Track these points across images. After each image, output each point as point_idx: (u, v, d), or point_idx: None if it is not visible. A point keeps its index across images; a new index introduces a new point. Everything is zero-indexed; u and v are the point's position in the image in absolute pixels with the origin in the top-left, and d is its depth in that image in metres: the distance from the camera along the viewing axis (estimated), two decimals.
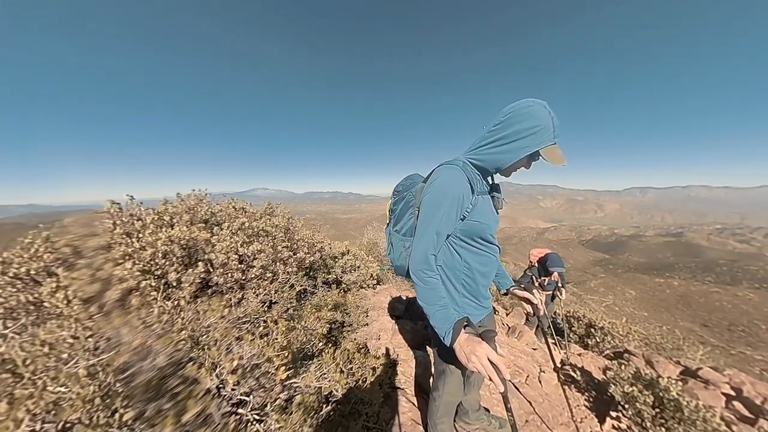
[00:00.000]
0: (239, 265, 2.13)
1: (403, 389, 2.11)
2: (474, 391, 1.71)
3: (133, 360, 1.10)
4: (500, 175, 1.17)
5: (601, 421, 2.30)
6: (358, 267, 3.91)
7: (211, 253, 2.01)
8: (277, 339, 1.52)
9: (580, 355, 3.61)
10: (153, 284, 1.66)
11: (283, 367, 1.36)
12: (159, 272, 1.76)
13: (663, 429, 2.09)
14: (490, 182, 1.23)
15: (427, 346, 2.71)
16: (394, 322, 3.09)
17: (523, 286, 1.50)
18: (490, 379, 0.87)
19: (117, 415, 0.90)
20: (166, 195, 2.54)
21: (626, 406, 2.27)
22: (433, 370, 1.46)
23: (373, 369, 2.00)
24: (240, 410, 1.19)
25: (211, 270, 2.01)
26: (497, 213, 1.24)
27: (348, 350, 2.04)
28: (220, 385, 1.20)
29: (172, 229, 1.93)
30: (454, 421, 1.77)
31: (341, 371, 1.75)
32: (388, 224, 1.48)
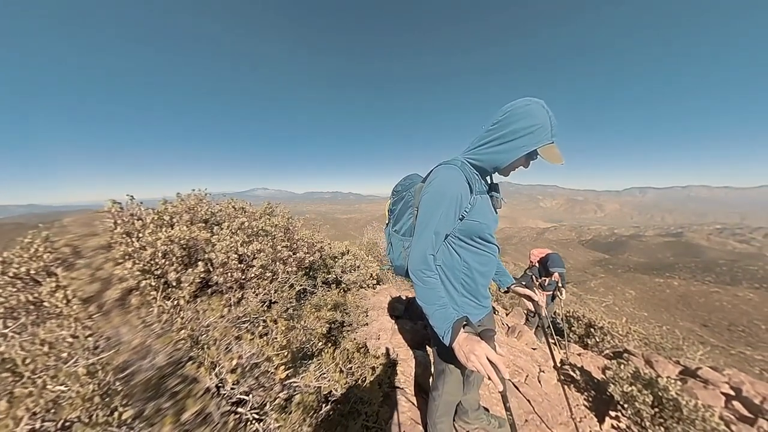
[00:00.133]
0: (239, 265, 2.13)
1: (402, 389, 2.11)
2: (473, 391, 1.71)
3: (132, 359, 1.10)
4: (499, 174, 1.17)
5: (601, 421, 2.30)
6: (358, 267, 3.91)
7: (211, 252, 2.01)
8: (276, 338, 1.52)
9: (579, 354, 3.61)
10: (153, 284, 1.66)
11: (283, 367, 1.36)
12: (159, 272, 1.76)
13: (662, 428, 2.09)
14: (489, 182, 1.23)
15: (427, 346, 2.71)
16: (393, 321, 3.09)
17: (524, 283, 1.49)
18: (490, 379, 0.87)
19: (116, 414, 0.90)
20: (166, 195, 2.54)
21: (625, 405, 2.28)
22: (432, 369, 1.46)
23: (373, 368, 2.00)
24: (239, 409, 1.20)
25: (211, 269, 2.01)
26: (496, 212, 1.24)
27: (347, 350, 2.04)
28: (220, 384, 1.20)
29: (172, 228, 1.93)
30: (454, 420, 1.78)
31: (341, 371, 1.76)
32: (387, 224, 1.49)
